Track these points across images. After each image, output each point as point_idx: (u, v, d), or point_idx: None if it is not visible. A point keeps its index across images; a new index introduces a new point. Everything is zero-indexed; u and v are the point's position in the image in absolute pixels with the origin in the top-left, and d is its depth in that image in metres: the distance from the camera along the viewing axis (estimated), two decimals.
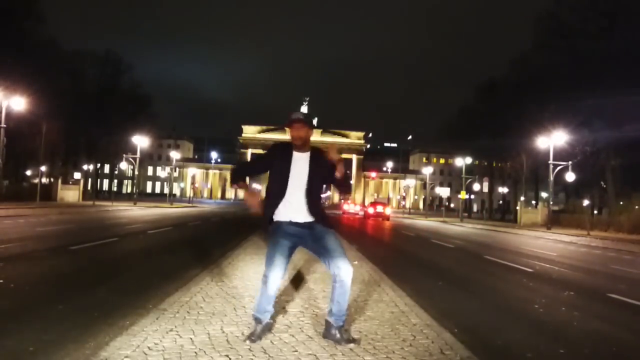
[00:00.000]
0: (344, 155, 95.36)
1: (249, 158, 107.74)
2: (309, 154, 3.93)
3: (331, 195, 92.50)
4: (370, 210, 41.47)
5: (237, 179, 4.10)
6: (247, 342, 3.90)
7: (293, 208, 3.88)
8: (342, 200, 62.05)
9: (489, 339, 4.90)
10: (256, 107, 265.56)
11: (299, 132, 3.86)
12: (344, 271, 3.84)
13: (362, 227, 28.59)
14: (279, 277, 3.86)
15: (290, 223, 3.90)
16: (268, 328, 4.10)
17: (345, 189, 4.19)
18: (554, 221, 36.33)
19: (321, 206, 4.07)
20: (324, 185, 4.13)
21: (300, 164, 3.89)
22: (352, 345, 3.89)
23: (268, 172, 4.04)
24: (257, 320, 3.97)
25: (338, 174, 3.88)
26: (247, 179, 4.21)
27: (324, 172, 3.93)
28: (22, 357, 3.84)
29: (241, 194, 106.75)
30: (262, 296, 3.93)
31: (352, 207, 54.24)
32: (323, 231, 3.93)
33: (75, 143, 55.86)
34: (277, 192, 3.89)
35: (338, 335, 3.93)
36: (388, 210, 43.05)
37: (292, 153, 3.91)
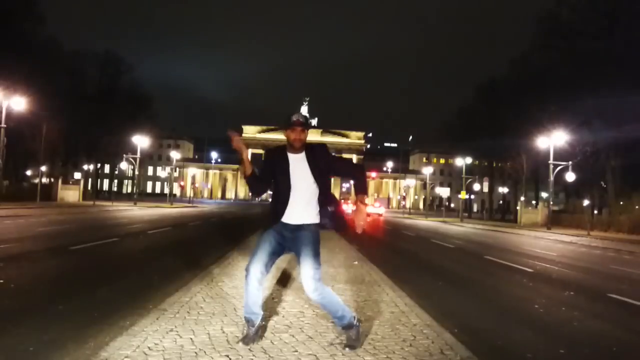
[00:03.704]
0: (344, 155, 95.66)
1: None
2: (304, 154, 3.87)
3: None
4: (354, 208, 50.34)
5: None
6: (241, 344, 3.87)
7: (292, 210, 3.83)
8: (342, 200, 62.30)
9: (489, 339, 4.90)
10: (256, 107, 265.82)
11: (300, 135, 3.80)
12: (306, 288, 3.76)
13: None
14: (258, 270, 3.77)
15: (281, 223, 3.86)
16: (260, 332, 4.04)
17: (360, 187, 3.98)
18: (554, 221, 36.31)
19: (333, 203, 3.94)
20: (330, 180, 4.05)
21: (298, 165, 3.83)
22: (347, 349, 3.85)
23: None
24: (249, 321, 3.93)
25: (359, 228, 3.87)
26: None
27: (324, 167, 3.90)
28: (22, 357, 3.85)
29: (242, 194, 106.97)
30: (245, 292, 3.88)
31: (350, 206, 54.68)
32: (303, 239, 3.80)
33: (76, 143, 55.83)
34: (282, 196, 3.83)
35: (351, 334, 3.94)
36: (370, 209, 50.67)
37: (288, 155, 3.86)
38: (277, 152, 3.94)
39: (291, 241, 3.86)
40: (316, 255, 3.77)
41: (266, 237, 3.87)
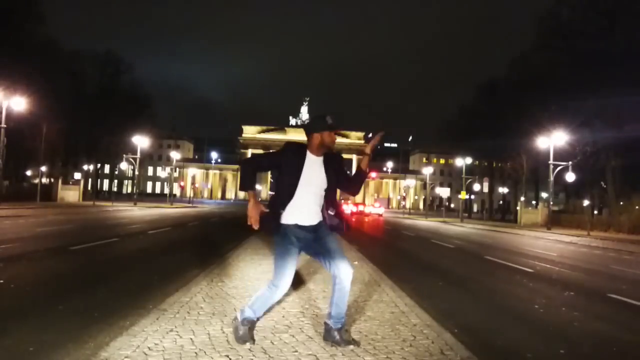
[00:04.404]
0: (344, 155, 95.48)
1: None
2: (322, 158, 3.86)
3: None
4: (354, 209, 54.80)
5: (248, 185, 3.93)
6: (248, 344, 3.88)
7: (301, 210, 3.81)
8: (342, 201, 62.46)
9: (489, 339, 4.90)
10: (256, 107, 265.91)
11: (335, 139, 3.86)
12: (344, 273, 3.79)
13: (357, 226, 28.59)
14: (287, 286, 3.82)
15: (297, 226, 3.81)
16: (253, 326, 4.06)
17: (355, 188, 4.04)
18: (554, 221, 36.31)
19: (337, 206, 3.95)
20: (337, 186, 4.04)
21: (314, 167, 3.81)
22: (351, 346, 3.89)
23: (271, 172, 4.02)
24: (251, 322, 3.94)
25: (362, 167, 3.94)
26: (256, 186, 4.10)
27: (337, 173, 3.92)
28: (22, 357, 3.84)
29: (242, 195, 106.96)
30: (265, 302, 3.90)
31: (351, 207, 55.04)
32: (325, 232, 3.88)
33: (75, 143, 55.84)
34: (286, 193, 3.81)
35: (337, 337, 3.91)
36: (367, 209, 57.12)
37: (306, 155, 3.83)
38: (297, 149, 3.88)
39: (310, 241, 3.86)
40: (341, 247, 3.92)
41: (288, 249, 3.80)
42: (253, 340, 3.91)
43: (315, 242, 3.88)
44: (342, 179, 4.00)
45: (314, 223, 3.86)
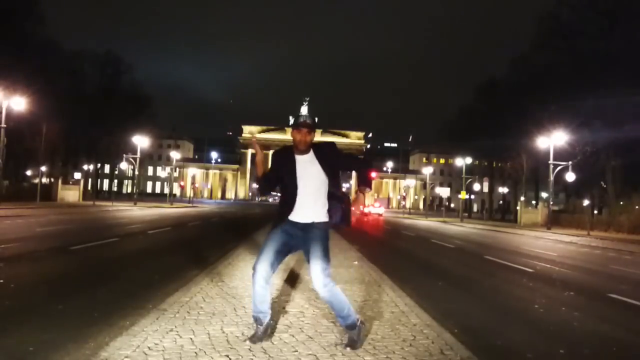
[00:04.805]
0: None
1: (249, 158, 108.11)
2: (312, 154, 3.90)
3: None
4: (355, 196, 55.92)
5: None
6: (248, 342, 3.91)
7: (300, 209, 3.85)
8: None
9: (489, 339, 4.91)
10: (256, 107, 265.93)
11: (305, 137, 3.84)
12: (315, 282, 3.80)
13: (357, 225, 28.59)
14: (264, 269, 3.81)
15: (288, 222, 3.90)
16: (269, 330, 4.07)
17: (362, 179, 4.08)
18: (554, 221, 36.32)
19: (343, 199, 3.97)
20: (339, 176, 4.09)
21: (305, 165, 3.86)
22: (348, 349, 3.88)
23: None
24: (256, 320, 3.97)
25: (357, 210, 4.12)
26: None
27: (333, 164, 3.94)
28: (22, 357, 3.84)
29: (241, 194, 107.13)
30: (253, 291, 3.92)
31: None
32: (314, 236, 3.85)
33: (75, 143, 55.85)
34: (288, 197, 3.87)
35: (354, 336, 3.93)
36: (368, 209, 54.44)
37: (295, 156, 3.89)
38: (284, 153, 3.96)
39: (301, 239, 3.89)
40: (326, 252, 3.83)
41: (273, 236, 3.90)
42: (260, 341, 3.93)
43: (303, 244, 3.90)
44: (342, 164, 4.15)
45: (304, 221, 3.86)
